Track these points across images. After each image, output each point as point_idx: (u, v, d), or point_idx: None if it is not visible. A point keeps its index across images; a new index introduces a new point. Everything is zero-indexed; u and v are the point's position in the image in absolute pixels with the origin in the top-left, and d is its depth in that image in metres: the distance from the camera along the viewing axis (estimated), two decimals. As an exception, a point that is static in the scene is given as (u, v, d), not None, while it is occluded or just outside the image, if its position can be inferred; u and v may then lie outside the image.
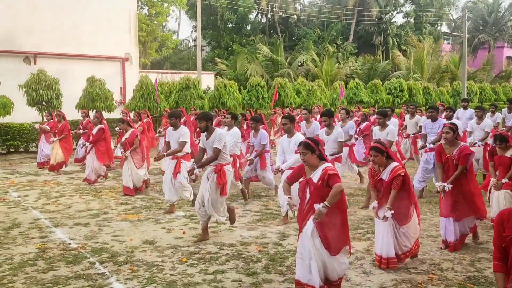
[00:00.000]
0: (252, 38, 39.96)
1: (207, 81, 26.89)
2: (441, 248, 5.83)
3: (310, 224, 4.34)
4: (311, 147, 4.41)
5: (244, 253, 5.70)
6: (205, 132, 6.17)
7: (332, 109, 12.23)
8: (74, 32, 20.11)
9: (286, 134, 6.92)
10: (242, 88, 22.78)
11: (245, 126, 11.26)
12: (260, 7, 39.59)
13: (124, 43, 22.27)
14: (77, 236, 6.46)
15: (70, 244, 6.12)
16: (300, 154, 4.50)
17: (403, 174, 5.02)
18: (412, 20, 45.90)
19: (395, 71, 35.26)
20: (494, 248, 3.05)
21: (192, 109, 15.41)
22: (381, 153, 5.03)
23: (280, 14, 42.30)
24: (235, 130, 8.59)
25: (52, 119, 12.86)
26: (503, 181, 6.10)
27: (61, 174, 11.75)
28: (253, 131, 8.78)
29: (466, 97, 18.37)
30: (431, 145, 8.10)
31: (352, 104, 22.54)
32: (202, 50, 34.26)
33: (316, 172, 4.43)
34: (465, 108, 11.87)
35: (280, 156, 6.94)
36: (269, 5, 40.57)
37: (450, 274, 5.01)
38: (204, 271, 5.13)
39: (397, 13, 47.89)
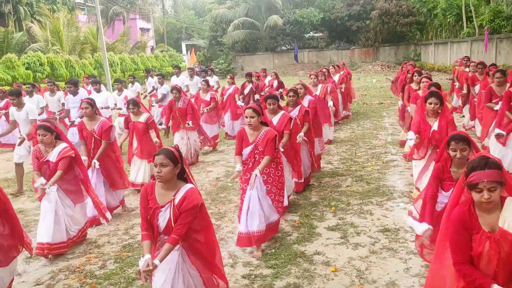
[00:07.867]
0: None
1: None
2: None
3: None
4: None
5: None
6: None
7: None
8: None
9: None
10: None
11: None
12: None
13: None
14: None
15: None
16: None
17: (73, 155, 4.85)
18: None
19: (33, 43, 32.64)
20: (141, 219, 3.19)
21: None
22: (51, 132, 4.69)
23: None
24: None
25: None
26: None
27: None
28: None
29: (93, 73, 17.93)
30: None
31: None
32: None
33: None
34: (93, 85, 10.22)
35: None
36: None
37: (107, 248, 5.09)
38: None
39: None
